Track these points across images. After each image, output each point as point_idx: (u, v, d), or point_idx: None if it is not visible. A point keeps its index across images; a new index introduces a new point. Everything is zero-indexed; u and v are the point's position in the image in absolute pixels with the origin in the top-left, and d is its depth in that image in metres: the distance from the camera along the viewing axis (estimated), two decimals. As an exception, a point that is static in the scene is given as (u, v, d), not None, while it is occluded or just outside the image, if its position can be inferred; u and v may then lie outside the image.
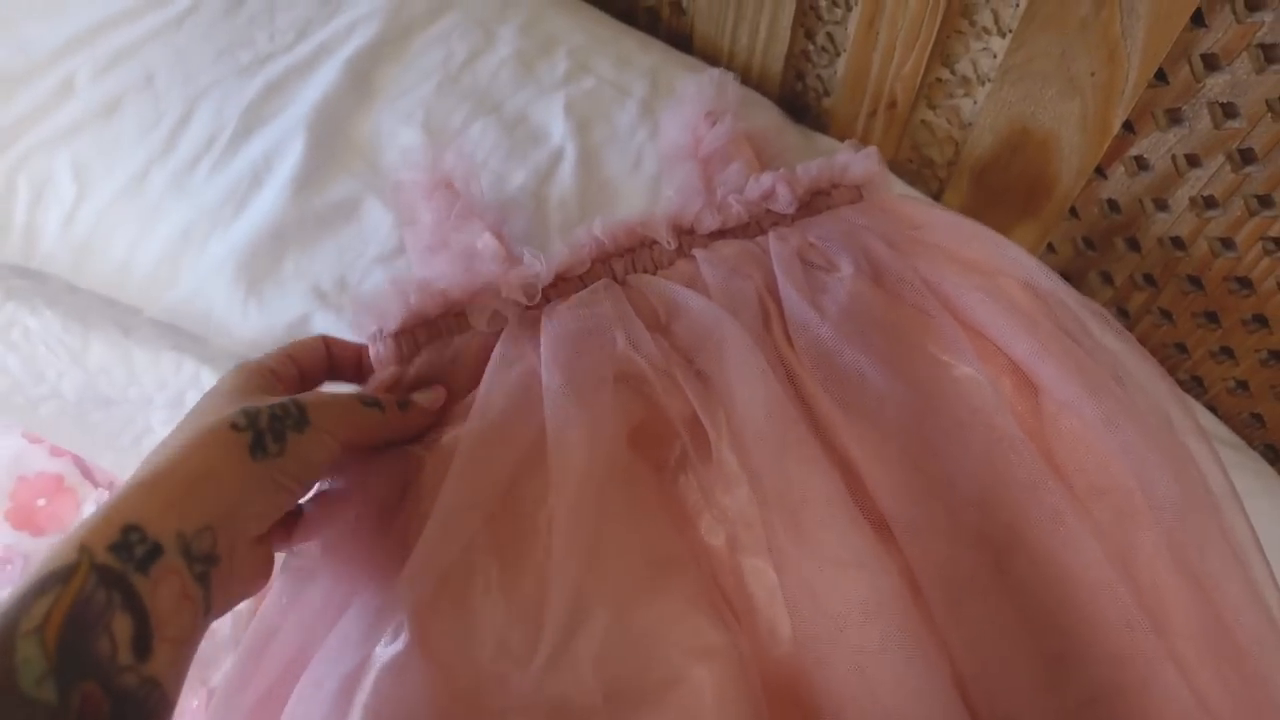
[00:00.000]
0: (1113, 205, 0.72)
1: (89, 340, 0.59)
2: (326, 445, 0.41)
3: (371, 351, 0.52)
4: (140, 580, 0.33)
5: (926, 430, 0.49)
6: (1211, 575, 0.47)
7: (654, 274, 0.57)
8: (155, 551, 0.34)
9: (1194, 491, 0.49)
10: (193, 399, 0.59)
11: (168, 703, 0.33)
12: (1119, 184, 0.70)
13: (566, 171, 0.69)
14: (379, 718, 0.41)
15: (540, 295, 0.54)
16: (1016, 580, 0.47)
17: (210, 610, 0.36)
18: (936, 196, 0.83)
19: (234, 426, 0.38)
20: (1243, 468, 0.71)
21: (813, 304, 0.53)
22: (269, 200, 0.64)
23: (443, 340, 0.53)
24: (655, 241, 0.58)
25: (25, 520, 0.63)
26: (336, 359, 0.50)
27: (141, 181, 0.64)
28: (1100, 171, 0.70)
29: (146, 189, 0.64)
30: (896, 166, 0.83)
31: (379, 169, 0.67)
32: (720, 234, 0.58)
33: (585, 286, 0.55)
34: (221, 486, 0.37)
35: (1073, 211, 0.74)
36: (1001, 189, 0.76)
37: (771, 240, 0.58)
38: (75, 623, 0.31)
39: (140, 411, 0.58)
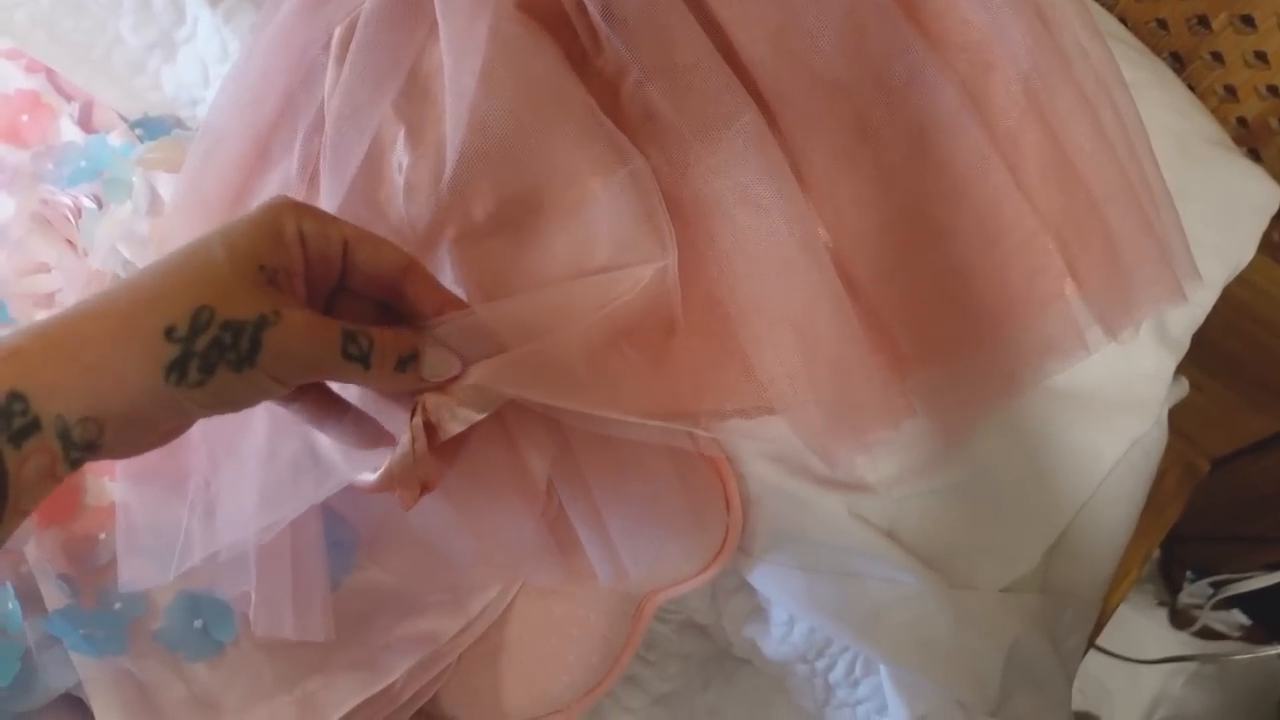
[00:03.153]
0: None
1: (55, -60, 0.60)
2: (264, 390, 0.36)
3: None
4: (10, 451, 0.31)
5: None
6: (1060, 116, 0.54)
7: None
8: (32, 427, 0.32)
9: (1046, 45, 0.54)
10: (159, 3, 0.61)
11: None
12: None
13: None
14: None
15: None
16: (877, 136, 0.53)
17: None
18: None
19: (168, 334, 0.33)
20: (1140, 65, 0.76)
21: None
22: None
23: None
24: None
25: (13, 134, 0.67)
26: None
27: None
28: None
29: None
30: None
31: None
32: None
33: None
34: (121, 390, 0.33)
35: None
36: None
37: None
38: None
39: (111, 18, 0.61)
